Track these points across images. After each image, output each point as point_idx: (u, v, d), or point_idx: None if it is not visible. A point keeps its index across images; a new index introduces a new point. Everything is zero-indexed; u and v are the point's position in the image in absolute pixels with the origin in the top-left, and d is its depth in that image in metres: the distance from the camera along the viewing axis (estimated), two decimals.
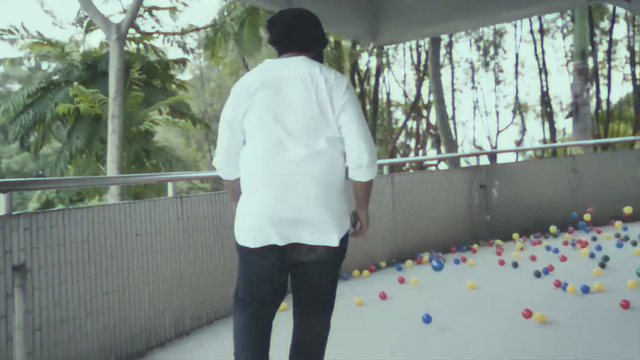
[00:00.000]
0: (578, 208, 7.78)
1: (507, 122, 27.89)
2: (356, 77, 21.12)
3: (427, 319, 4.15)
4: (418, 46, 23.04)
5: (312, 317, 2.58)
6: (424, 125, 25.76)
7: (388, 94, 25.63)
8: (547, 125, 27.58)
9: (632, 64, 25.81)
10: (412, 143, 26.13)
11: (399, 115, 29.42)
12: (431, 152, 27.93)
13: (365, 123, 2.47)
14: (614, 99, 26.56)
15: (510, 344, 3.67)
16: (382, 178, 6.79)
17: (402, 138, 25.77)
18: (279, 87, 2.40)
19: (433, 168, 20.52)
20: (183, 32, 18.91)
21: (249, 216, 2.43)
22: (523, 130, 27.53)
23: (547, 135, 28.96)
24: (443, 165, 22.04)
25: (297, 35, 2.53)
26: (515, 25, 26.41)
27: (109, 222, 3.91)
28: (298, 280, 2.54)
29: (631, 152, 9.14)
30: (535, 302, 4.46)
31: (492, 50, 25.11)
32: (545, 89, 25.31)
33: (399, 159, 20.63)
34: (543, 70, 25.54)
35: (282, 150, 2.37)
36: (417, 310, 4.44)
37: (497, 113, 26.74)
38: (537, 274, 5.41)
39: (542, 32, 25.86)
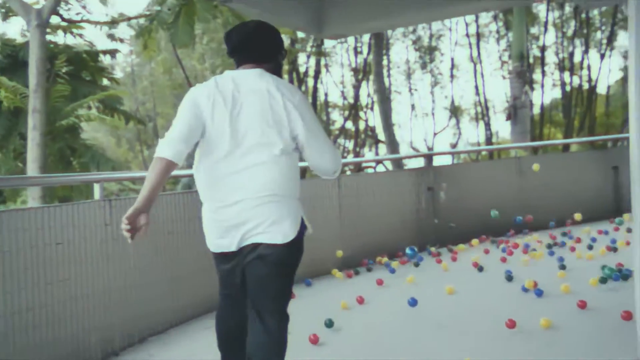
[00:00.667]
0: (524, 210, 7.67)
1: (443, 124, 28.09)
2: (295, 77, 20.75)
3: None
4: (356, 47, 22.94)
5: (260, 322, 2.51)
6: (362, 127, 25.72)
7: (326, 95, 25.45)
8: (482, 127, 28.12)
9: (561, 69, 26.62)
10: (351, 145, 26.04)
11: (336, 116, 29.33)
12: (369, 155, 27.94)
13: (322, 130, 2.56)
14: (545, 103, 27.30)
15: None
16: (328, 181, 6.43)
17: (340, 140, 25.62)
18: (236, 100, 2.45)
19: (371, 170, 20.43)
20: (114, 22, 17.92)
21: (207, 225, 2.58)
22: (459, 133, 27.98)
23: (482, 138, 29.51)
24: (381, 168, 21.98)
25: (254, 48, 2.57)
26: (450, 29, 26.78)
27: (22, 229, 3.37)
28: (248, 280, 2.56)
29: (571, 155, 9.17)
30: (506, 308, 4.27)
31: (429, 53, 25.28)
32: (480, 92, 25.78)
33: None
34: (478, 73, 25.99)
35: (235, 161, 2.44)
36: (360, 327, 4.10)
37: (434, 115, 27.01)
38: (509, 278, 5.33)
39: (478, 36, 26.29)
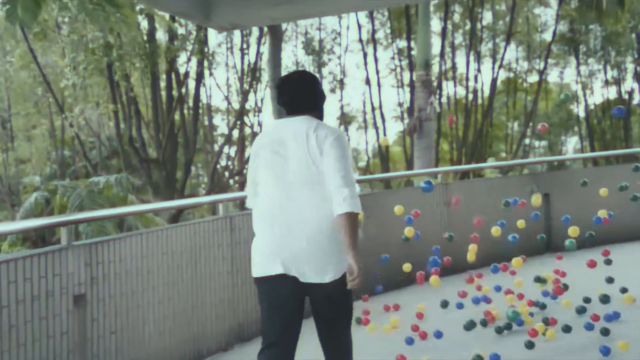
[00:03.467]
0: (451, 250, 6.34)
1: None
2: (174, 79, 18.56)
3: None
4: (243, 49, 21.14)
5: (331, 345, 2.92)
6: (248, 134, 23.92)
7: (209, 98, 23.45)
8: (372, 136, 27.33)
9: (447, 80, 26.42)
10: (232, 151, 24.20)
11: (218, 121, 27.32)
12: None
13: (348, 165, 2.79)
14: None
15: None
16: (217, 222, 4.71)
17: (225, 149, 23.67)
18: (282, 145, 2.84)
19: None
20: None
21: (257, 254, 2.85)
22: (348, 141, 26.73)
23: (370, 149, 28.75)
24: None
25: (300, 102, 2.95)
26: (340, 34, 25.70)
27: None
28: (313, 308, 2.91)
29: (501, 180, 8.02)
30: None
31: (321, 56, 23.96)
32: (371, 100, 24.90)
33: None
34: (370, 81, 25.13)
35: (282, 199, 2.78)
36: None
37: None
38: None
39: (374, 41, 25.43)
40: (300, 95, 2.97)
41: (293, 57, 24.36)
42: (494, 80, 24.32)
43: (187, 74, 19.35)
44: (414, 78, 12.53)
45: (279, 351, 2.80)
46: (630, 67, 24.66)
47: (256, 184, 2.91)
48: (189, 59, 18.68)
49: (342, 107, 25.83)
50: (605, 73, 25.80)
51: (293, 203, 2.76)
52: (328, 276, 2.74)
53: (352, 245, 2.63)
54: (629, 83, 26.13)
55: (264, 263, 2.79)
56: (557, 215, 7.38)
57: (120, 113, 18.50)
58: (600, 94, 26.86)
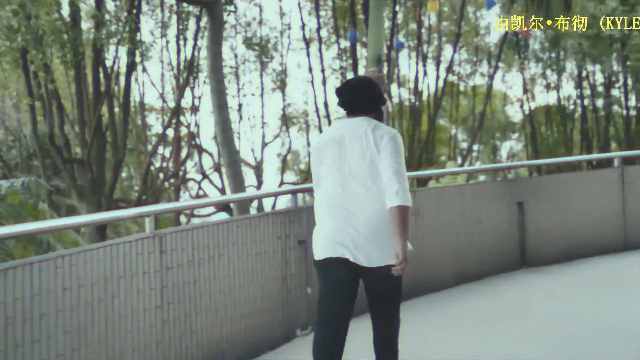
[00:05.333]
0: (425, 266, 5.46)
1: (274, 133, 25.68)
2: (101, 73, 16.95)
3: None
4: (178, 40, 19.71)
5: (381, 324, 3.20)
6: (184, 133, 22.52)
7: (142, 96, 21.88)
8: (315, 138, 26.36)
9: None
10: (167, 152, 22.75)
11: (152, 120, 25.69)
12: (191, 166, 24.73)
13: (401, 162, 3.08)
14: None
15: None
16: (142, 242, 3.62)
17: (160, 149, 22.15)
18: (342, 143, 3.16)
19: (223, 215, 16.95)
20: None
21: (319, 239, 3.19)
22: (289, 144, 25.89)
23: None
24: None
25: (359, 103, 3.24)
26: (282, 33, 24.66)
27: None
28: (367, 291, 3.19)
29: (470, 187, 7.20)
30: None
31: (264, 53, 22.76)
32: (315, 100, 23.94)
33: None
34: (312, 80, 24.21)
35: (342, 191, 3.12)
36: None
37: (263, 124, 24.61)
38: None
39: (319, 40, 24.54)
40: (359, 97, 3.25)
41: (231, 52, 23.09)
42: (440, 83, 23.90)
43: (114, 67, 17.72)
44: (367, 74, 11.61)
45: (333, 329, 3.11)
46: (569, 71, 24.69)
47: (319, 178, 3.25)
48: (117, 48, 17.08)
49: (284, 108, 24.73)
50: (546, 77, 25.80)
51: (351, 195, 3.08)
52: (378, 262, 3.02)
53: (401, 234, 2.98)
54: (567, 89, 26.26)
55: (325, 247, 3.13)
56: (532, 226, 6.65)
57: (40, 108, 16.77)
58: (541, 98, 26.85)
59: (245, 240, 4.43)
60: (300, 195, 5.20)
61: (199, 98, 21.57)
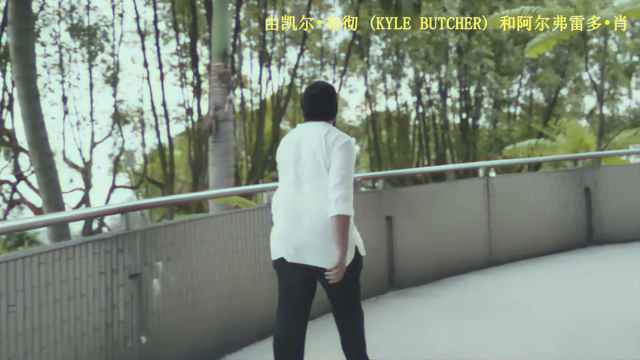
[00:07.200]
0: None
1: (104, 132, 23.24)
2: None
3: None
4: None
5: (342, 317, 3.35)
6: None
7: None
8: (152, 138, 24.60)
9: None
10: None
11: None
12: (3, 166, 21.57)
13: (348, 172, 3.18)
14: None
15: None
16: None
17: None
18: (298, 145, 3.31)
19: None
20: None
21: (273, 239, 3.33)
22: (122, 144, 23.69)
23: (148, 150, 25.91)
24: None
25: (318, 111, 3.39)
26: (113, 24, 22.52)
27: None
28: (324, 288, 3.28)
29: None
30: None
31: (92, 42, 20.45)
32: (152, 98, 22.17)
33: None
34: (152, 77, 22.44)
35: (294, 192, 3.26)
36: None
37: (93, 121, 22.19)
38: None
39: (157, 33, 22.76)
40: (320, 104, 3.41)
41: (52, 39, 20.54)
42: (285, 86, 23.32)
43: None
44: (211, 70, 10.48)
45: (291, 328, 3.30)
46: (409, 78, 25.31)
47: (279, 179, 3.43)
48: None
49: (116, 104, 22.58)
50: (385, 83, 26.24)
51: (302, 195, 3.23)
52: (328, 262, 3.11)
53: (338, 242, 3.09)
54: (405, 95, 26.96)
55: (278, 247, 3.27)
56: (401, 243, 6.00)
57: None
58: (382, 104, 27.30)
59: (52, 280, 3.19)
60: (134, 215, 4.01)
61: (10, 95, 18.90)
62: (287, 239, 3.20)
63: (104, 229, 21.12)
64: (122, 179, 28.81)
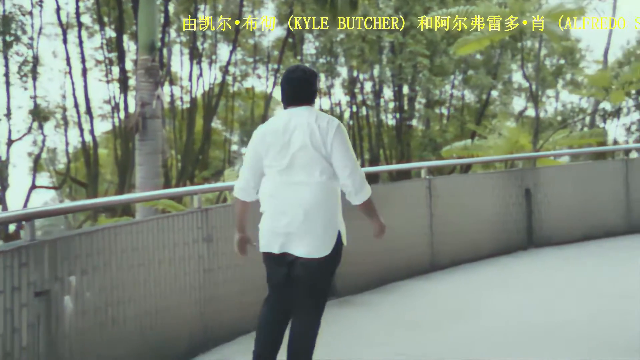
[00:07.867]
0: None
1: (22, 129, 21.92)
2: None
3: None
4: None
5: (300, 315, 3.25)
6: None
7: None
8: (75, 136, 23.40)
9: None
10: None
11: None
12: None
13: (352, 158, 3.21)
14: None
15: None
16: None
17: None
18: (285, 133, 3.19)
19: None
20: None
21: (261, 230, 3.27)
22: (43, 141, 22.37)
23: (72, 149, 24.70)
24: None
25: (303, 95, 3.29)
26: (31, 13, 21.23)
27: None
28: (294, 279, 3.22)
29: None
30: None
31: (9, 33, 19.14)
32: (74, 94, 21.05)
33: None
34: (75, 72, 21.30)
35: (282, 181, 3.20)
36: None
37: (9, 118, 20.83)
38: None
39: (79, 26, 21.62)
40: (305, 88, 3.30)
41: None
42: (217, 83, 22.69)
43: None
44: (138, 63, 9.86)
45: (279, 310, 3.29)
46: (344, 76, 25.12)
47: (257, 168, 3.30)
48: None
49: (35, 100, 21.30)
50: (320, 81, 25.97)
51: (291, 185, 3.16)
52: (310, 252, 3.12)
53: (374, 218, 3.31)
54: (338, 95, 26.78)
55: (266, 238, 3.22)
56: (348, 248, 5.64)
57: None
58: (316, 103, 26.97)
59: None
60: (40, 222, 3.47)
61: None
62: (275, 228, 3.16)
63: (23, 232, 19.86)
64: (44, 178, 27.42)
